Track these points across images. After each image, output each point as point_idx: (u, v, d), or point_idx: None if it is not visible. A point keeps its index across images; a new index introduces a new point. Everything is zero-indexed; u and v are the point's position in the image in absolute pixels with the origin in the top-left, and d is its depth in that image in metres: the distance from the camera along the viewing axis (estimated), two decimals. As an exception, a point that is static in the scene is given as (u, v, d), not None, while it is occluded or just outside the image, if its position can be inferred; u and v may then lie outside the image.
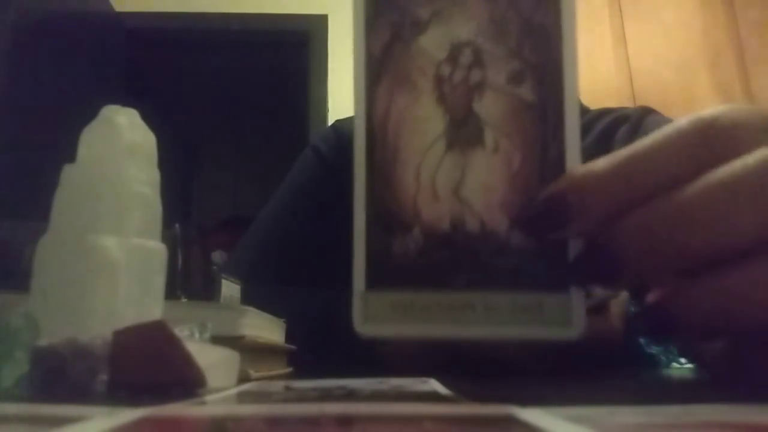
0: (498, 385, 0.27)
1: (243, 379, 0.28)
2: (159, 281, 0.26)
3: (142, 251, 0.26)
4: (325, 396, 0.20)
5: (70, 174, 0.26)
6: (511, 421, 0.13)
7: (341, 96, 2.22)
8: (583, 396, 0.23)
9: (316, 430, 0.13)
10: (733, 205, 0.18)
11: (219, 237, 1.94)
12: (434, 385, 0.24)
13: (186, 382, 0.20)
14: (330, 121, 1.11)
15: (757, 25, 1.82)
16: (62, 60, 1.76)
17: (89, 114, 0.27)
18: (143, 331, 0.20)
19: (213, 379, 0.21)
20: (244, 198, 3.35)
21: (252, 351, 0.33)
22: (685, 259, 0.18)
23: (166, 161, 0.29)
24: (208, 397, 0.20)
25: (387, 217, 0.20)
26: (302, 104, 2.35)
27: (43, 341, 0.20)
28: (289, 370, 0.42)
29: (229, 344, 0.25)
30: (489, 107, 0.20)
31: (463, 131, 0.20)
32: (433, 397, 0.20)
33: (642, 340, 0.49)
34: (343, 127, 0.72)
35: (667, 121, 0.63)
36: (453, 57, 0.21)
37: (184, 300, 0.34)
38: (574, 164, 0.20)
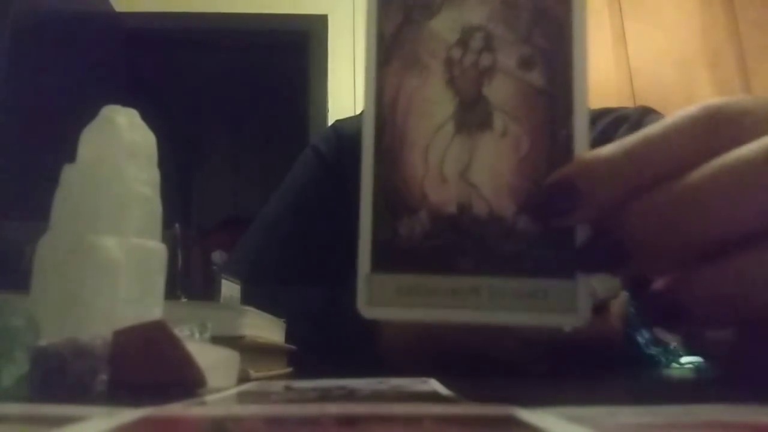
0: (498, 385, 0.27)
1: (243, 379, 0.28)
2: (159, 281, 0.26)
3: (142, 251, 0.26)
4: (325, 396, 0.20)
5: (70, 174, 0.26)
6: (511, 421, 0.13)
7: (341, 96, 2.22)
8: (583, 396, 0.23)
9: (316, 430, 0.13)
10: (740, 191, 0.18)
11: (219, 237, 1.94)
12: (434, 385, 0.24)
13: (186, 382, 0.20)
14: (330, 121, 1.11)
15: (757, 24, 1.82)
16: (62, 60, 1.76)
17: (89, 114, 0.27)
18: (143, 331, 0.20)
19: (213, 379, 0.21)
20: (244, 198, 3.35)
21: (252, 351, 0.33)
22: (694, 245, 0.18)
23: (166, 161, 0.29)
24: (208, 397, 0.20)
25: (394, 199, 0.20)
26: (302, 104, 2.34)
27: (43, 341, 0.20)
28: (289, 370, 0.42)
29: (229, 344, 0.25)
30: (498, 91, 0.20)
31: (472, 115, 0.20)
32: (433, 397, 0.20)
33: (641, 341, 0.49)
34: (343, 127, 0.72)
35: (667, 121, 0.63)
36: (464, 41, 0.21)
37: (184, 300, 0.34)
38: (583, 150, 0.20)
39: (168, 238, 0.28)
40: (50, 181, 0.26)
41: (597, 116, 0.69)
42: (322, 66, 2.30)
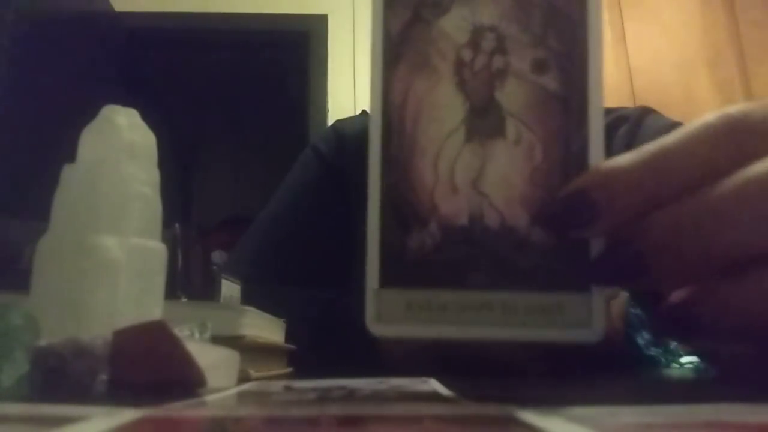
0: (498, 386, 0.27)
1: (243, 379, 0.28)
2: (159, 281, 0.26)
3: (142, 251, 0.25)
4: (325, 396, 0.20)
5: (70, 174, 0.26)
6: (511, 421, 0.13)
7: (341, 96, 2.22)
8: (583, 396, 0.23)
9: (316, 431, 0.13)
10: (765, 205, 0.17)
11: (219, 237, 1.94)
12: (434, 385, 0.24)
13: (186, 382, 0.20)
14: (330, 121, 1.11)
15: (757, 24, 1.82)
16: (62, 60, 1.76)
17: (89, 114, 0.27)
18: (143, 331, 0.20)
19: (213, 379, 0.21)
20: (244, 198, 3.34)
21: (252, 351, 0.33)
22: (715, 259, 0.18)
23: (166, 161, 0.29)
24: (208, 397, 0.20)
25: (403, 210, 0.19)
26: (302, 104, 2.34)
27: (43, 341, 0.20)
28: (289, 370, 0.42)
29: (229, 344, 0.25)
30: (511, 96, 0.19)
31: (484, 121, 0.19)
32: (433, 397, 0.20)
33: (641, 342, 0.49)
34: (344, 127, 0.72)
35: (666, 121, 0.63)
36: (475, 41, 0.20)
37: (184, 300, 0.34)
38: (598, 158, 0.19)
39: (168, 238, 0.28)
40: (50, 181, 0.26)
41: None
42: (322, 66, 2.30)
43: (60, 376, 0.19)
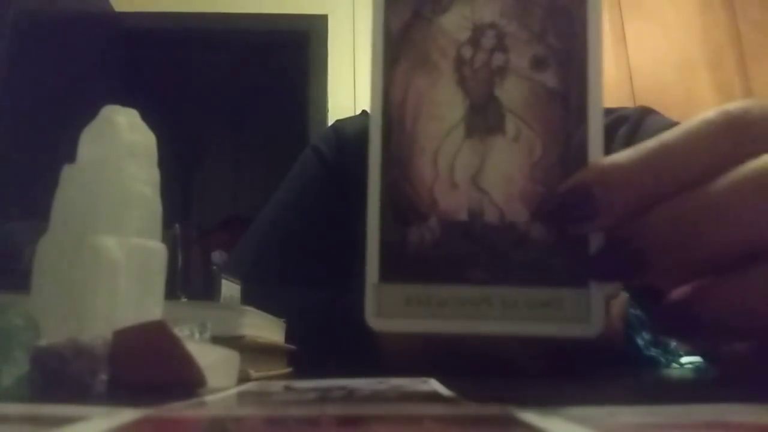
0: (498, 386, 0.27)
1: (243, 379, 0.28)
2: (159, 281, 0.26)
3: (142, 251, 0.25)
4: (325, 396, 0.20)
5: (70, 174, 0.26)
6: (511, 421, 0.13)
7: (341, 96, 2.22)
8: (583, 396, 0.23)
9: (316, 431, 0.13)
10: (764, 201, 0.17)
11: (219, 237, 1.95)
12: (434, 385, 0.24)
13: (186, 382, 0.20)
14: (330, 121, 1.11)
15: (757, 24, 1.82)
16: (62, 60, 1.76)
17: (89, 114, 0.27)
18: (143, 331, 0.20)
19: (213, 379, 0.21)
20: (244, 198, 3.35)
21: (252, 351, 0.33)
22: (713, 256, 0.18)
23: (166, 161, 0.29)
24: (208, 397, 0.20)
25: (402, 205, 0.19)
26: (302, 104, 2.34)
27: (43, 341, 0.20)
28: (289, 370, 0.42)
29: (229, 344, 0.25)
30: (511, 93, 0.20)
31: (484, 117, 0.20)
32: (433, 397, 0.20)
33: (641, 342, 0.49)
34: (344, 127, 0.72)
35: (666, 121, 0.63)
36: (475, 39, 0.20)
37: (184, 300, 0.34)
38: (597, 155, 0.19)
39: (168, 238, 0.28)
40: (50, 181, 0.26)
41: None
42: (322, 66, 2.30)
43: (60, 376, 0.19)
